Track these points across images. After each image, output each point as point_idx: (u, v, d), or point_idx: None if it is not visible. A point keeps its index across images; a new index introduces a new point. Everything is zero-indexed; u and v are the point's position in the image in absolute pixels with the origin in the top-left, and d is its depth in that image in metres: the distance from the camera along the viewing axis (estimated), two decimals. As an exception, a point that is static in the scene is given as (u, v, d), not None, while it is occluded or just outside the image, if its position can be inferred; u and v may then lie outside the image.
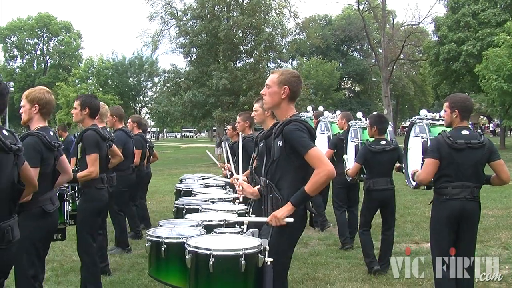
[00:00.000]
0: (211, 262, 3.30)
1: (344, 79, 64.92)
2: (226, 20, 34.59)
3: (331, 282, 6.58)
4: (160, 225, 4.46)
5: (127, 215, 8.73)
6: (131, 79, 66.76)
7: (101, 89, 58.91)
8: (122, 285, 6.45)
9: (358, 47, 67.22)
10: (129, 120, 9.29)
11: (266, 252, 3.50)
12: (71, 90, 51.94)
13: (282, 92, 4.05)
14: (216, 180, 8.21)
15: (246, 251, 3.36)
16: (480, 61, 27.49)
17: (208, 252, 3.34)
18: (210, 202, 5.78)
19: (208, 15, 34.11)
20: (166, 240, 3.82)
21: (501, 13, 32.79)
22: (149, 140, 10.39)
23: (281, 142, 3.96)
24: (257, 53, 33.39)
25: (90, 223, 5.87)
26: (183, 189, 7.23)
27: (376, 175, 6.92)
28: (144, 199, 10.54)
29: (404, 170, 6.52)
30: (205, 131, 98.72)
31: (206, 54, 34.47)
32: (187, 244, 3.53)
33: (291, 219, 3.79)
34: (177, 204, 5.56)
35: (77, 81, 60.29)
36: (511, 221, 10.23)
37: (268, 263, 3.44)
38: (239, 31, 34.30)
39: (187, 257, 3.45)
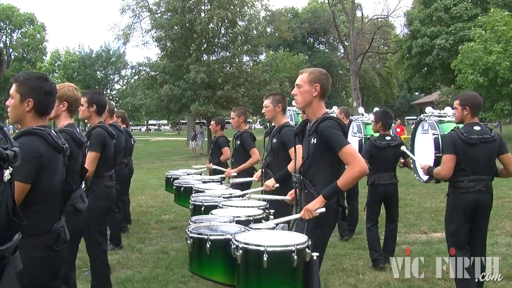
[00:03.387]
0: (265, 258, 3.33)
1: (309, 71, 65.27)
2: (202, 14, 34.41)
3: (361, 273, 6.72)
4: (194, 221, 4.46)
5: (120, 211, 8.73)
6: (98, 72, 65.96)
7: (68, 82, 57.85)
8: (155, 281, 6.47)
9: (324, 40, 67.65)
10: (114, 115, 9.16)
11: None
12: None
13: (314, 90, 4.15)
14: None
15: (298, 247, 3.42)
16: (453, 55, 28.03)
17: (261, 248, 3.37)
18: (224, 198, 5.73)
19: (184, 8, 33.85)
20: (211, 237, 3.80)
21: (472, 7, 33.54)
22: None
23: (315, 139, 4.06)
24: (234, 47, 33.41)
25: (100, 221, 5.79)
26: (183, 186, 7.24)
27: (380, 170, 7.07)
28: (127, 195, 10.49)
29: (412, 166, 6.73)
30: (169, 124, 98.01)
31: (182, 47, 34.25)
32: (235, 240, 3.55)
33: (323, 209, 3.93)
34: (194, 202, 5.53)
35: (42, 75, 59.14)
36: (508, 211, 10.65)
37: (315, 257, 3.52)
38: (214, 24, 34.16)
39: (237, 253, 3.47)
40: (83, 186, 5.83)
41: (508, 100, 25.46)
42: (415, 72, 38.87)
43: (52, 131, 3.36)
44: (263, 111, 6.16)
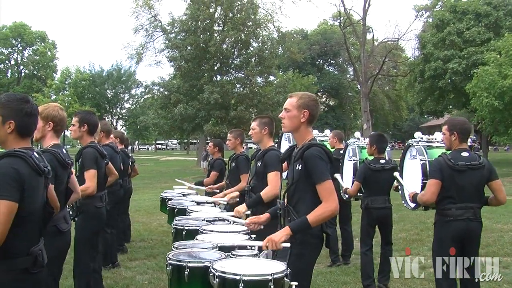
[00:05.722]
0: (240, 287, 3.29)
1: (319, 93, 65.30)
2: (216, 34, 34.81)
3: None
4: (176, 247, 4.38)
5: (117, 231, 8.66)
6: (108, 90, 66.41)
7: (77, 100, 58.29)
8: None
9: (334, 62, 67.65)
10: (111, 136, 9.11)
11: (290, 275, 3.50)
12: (48, 102, 51.04)
13: (302, 116, 4.10)
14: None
15: (275, 276, 3.36)
16: (466, 79, 27.81)
17: (237, 277, 3.33)
18: (207, 222, 5.53)
19: (199, 29, 34.30)
20: (190, 264, 3.73)
21: (485, 31, 33.69)
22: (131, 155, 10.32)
23: (300, 165, 4.00)
24: (249, 68, 33.74)
25: (90, 242, 5.76)
26: (177, 207, 7.10)
27: (374, 193, 7.02)
28: (128, 214, 10.45)
29: (400, 192, 6.61)
30: (177, 144, 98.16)
31: (196, 68, 34.50)
32: (213, 268, 3.50)
33: (288, 244, 3.84)
34: (175, 225, 5.38)
35: (52, 92, 59.64)
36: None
37: (294, 287, 3.44)
38: (228, 45, 34.61)
39: (214, 281, 3.42)
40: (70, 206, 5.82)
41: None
42: (427, 96, 38.84)
43: (35, 153, 3.32)
44: (249, 133, 6.10)
